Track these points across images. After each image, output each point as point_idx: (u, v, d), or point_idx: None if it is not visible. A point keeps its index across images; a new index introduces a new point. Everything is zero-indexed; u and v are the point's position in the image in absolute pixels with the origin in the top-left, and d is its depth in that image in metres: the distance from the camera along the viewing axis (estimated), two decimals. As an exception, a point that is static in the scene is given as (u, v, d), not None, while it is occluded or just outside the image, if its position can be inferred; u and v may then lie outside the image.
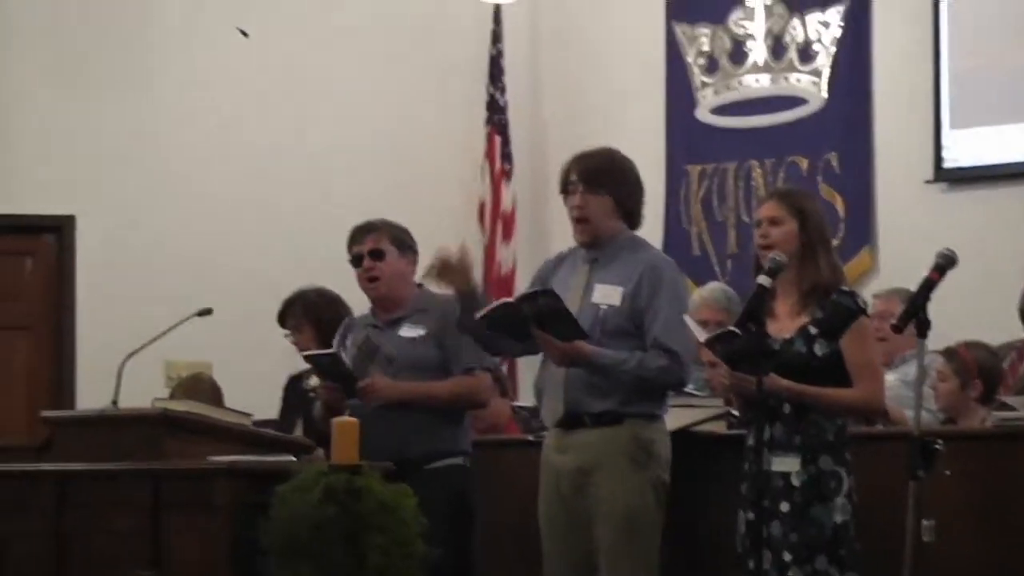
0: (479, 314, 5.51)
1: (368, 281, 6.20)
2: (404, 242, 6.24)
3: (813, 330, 5.30)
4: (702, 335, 5.26)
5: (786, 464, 5.19)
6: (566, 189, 5.68)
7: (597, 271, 5.62)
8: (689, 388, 6.03)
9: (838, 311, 5.30)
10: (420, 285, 6.26)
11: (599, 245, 5.64)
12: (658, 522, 5.49)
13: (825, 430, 5.26)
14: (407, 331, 6.13)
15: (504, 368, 8.24)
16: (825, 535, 5.17)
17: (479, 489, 6.10)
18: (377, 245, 6.20)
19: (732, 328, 5.22)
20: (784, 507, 5.19)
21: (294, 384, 7.12)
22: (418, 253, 6.26)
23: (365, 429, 5.59)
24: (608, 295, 5.55)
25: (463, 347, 5.99)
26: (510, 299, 5.47)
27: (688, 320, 5.37)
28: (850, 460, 5.27)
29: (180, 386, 8.37)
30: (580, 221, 5.63)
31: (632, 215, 5.70)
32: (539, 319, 5.41)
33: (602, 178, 5.63)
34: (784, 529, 5.18)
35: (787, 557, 5.17)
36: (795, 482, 5.21)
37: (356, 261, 6.24)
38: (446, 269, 5.71)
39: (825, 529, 5.17)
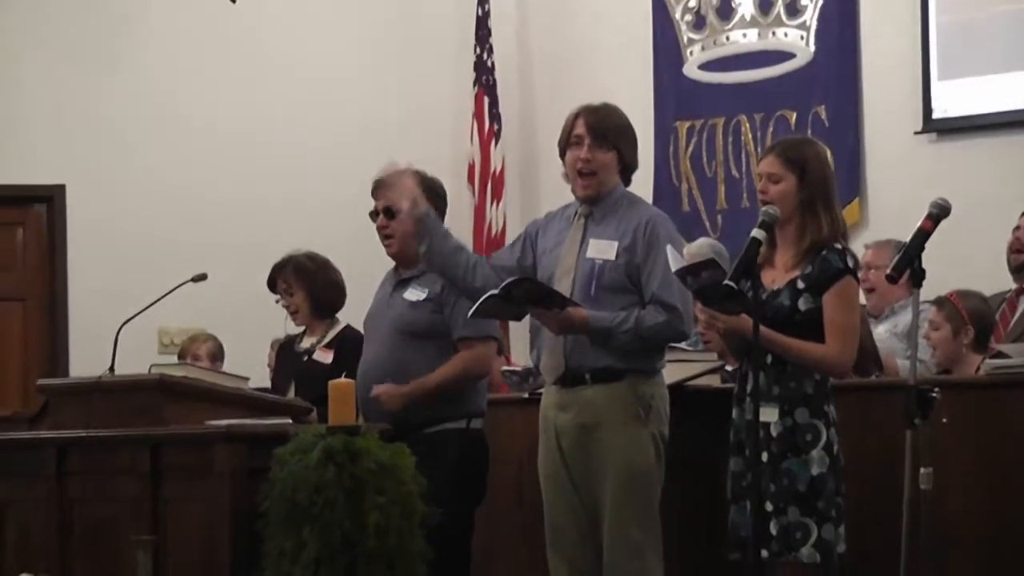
0: (470, 312, 5.47)
1: (383, 238, 6.07)
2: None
3: (801, 284, 5.28)
4: (677, 265, 5.20)
5: (766, 414, 5.18)
6: (568, 142, 5.63)
7: (592, 226, 5.60)
8: (681, 344, 6.02)
9: (825, 268, 5.27)
10: None
11: (595, 200, 5.61)
12: (659, 476, 5.50)
13: (804, 383, 5.25)
14: (410, 294, 6.00)
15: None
16: (797, 487, 5.17)
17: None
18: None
19: (704, 260, 5.20)
20: (764, 456, 5.19)
21: (285, 348, 7.11)
22: (445, 208, 6.07)
23: (365, 397, 5.60)
24: (603, 250, 5.52)
25: (463, 314, 5.77)
26: (495, 291, 5.37)
27: (669, 250, 5.29)
28: (831, 413, 5.25)
29: (185, 345, 8.69)
30: (587, 175, 5.59)
31: (628, 171, 5.68)
32: (530, 298, 5.40)
33: (610, 133, 5.58)
34: (765, 479, 5.18)
35: (768, 507, 5.18)
36: (773, 432, 5.22)
37: (374, 215, 6.08)
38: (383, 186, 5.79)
39: (798, 481, 5.17)
